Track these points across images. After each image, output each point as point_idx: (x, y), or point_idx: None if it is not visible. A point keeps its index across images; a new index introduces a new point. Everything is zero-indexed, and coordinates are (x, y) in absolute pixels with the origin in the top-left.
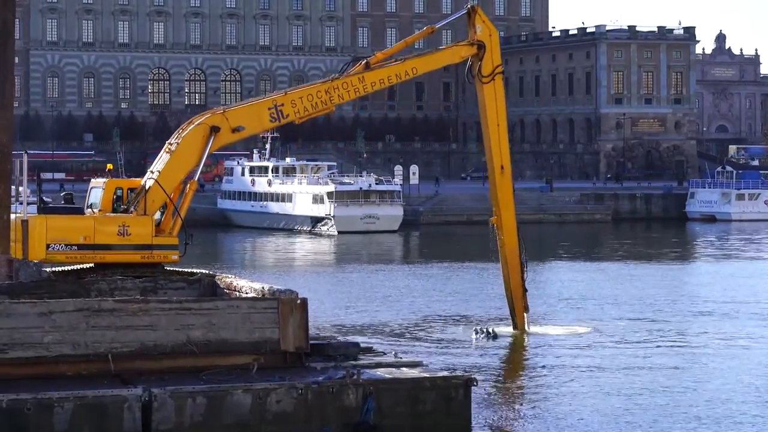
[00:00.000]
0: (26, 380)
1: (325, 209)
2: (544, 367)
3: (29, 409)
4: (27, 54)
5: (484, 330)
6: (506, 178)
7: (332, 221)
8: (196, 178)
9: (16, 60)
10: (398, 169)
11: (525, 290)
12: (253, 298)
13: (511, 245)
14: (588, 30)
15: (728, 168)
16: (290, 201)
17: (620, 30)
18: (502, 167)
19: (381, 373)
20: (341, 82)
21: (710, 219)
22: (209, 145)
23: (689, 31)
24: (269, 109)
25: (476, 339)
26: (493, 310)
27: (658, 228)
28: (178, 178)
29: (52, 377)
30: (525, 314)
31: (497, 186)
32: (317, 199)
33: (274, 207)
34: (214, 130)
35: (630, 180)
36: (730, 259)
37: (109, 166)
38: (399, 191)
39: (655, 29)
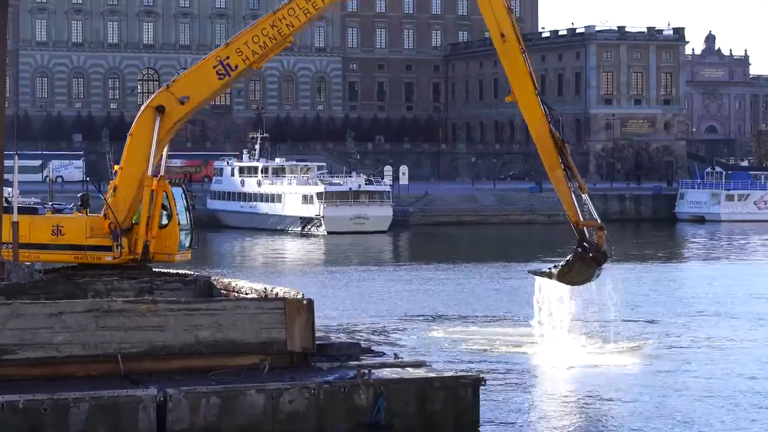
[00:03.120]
0: (36, 381)
1: (314, 210)
2: (551, 367)
3: (45, 410)
4: (16, 54)
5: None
6: (510, 48)
7: (322, 222)
8: (150, 173)
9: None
10: (388, 170)
11: (571, 172)
12: (260, 299)
13: (536, 124)
14: (578, 31)
15: (718, 169)
16: (280, 201)
17: (610, 31)
18: (502, 35)
19: (389, 373)
20: (286, 9)
21: (699, 220)
22: (156, 129)
23: (679, 32)
24: (214, 67)
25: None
26: (480, 311)
27: (647, 229)
28: (137, 173)
29: (62, 378)
30: (587, 202)
31: (501, 58)
32: (307, 200)
33: (264, 207)
34: (159, 110)
35: (650, 180)
36: (719, 260)
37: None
38: (388, 192)
39: (645, 30)
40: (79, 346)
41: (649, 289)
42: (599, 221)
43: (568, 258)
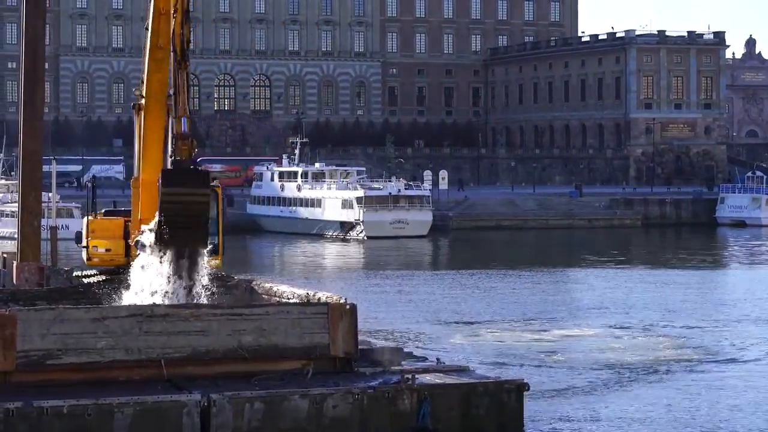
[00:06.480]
0: (80, 385)
1: (354, 214)
2: (593, 371)
3: (90, 415)
4: (57, 59)
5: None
6: None
7: (361, 226)
8: (136, 175)
9: (46, 66)
10: (428, 175)
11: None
12: (302, 304)
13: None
14: (617, 35)
15: (758, 173)
16: (319, 206)
17: (650, 35)
18: None
19: (432, 378)
20: None
21: (740, 224)
22: (136, 127)
23: (719, 36)
24: (153, 52)
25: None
26: (521, 316)
27: (687, 233)
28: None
29: (106, 382)
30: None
31: None
32: (346, 205)
33: (304, 212)
34: (137, 107)
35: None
36: (762, 264)
37: None
38: (428, 196)
39: (685, 34)
40: (123, 351)
41: (694, 293)
42: (185, 130)
43: None
